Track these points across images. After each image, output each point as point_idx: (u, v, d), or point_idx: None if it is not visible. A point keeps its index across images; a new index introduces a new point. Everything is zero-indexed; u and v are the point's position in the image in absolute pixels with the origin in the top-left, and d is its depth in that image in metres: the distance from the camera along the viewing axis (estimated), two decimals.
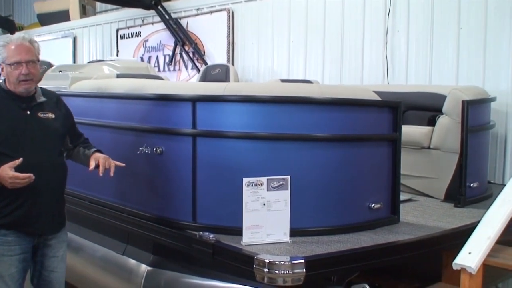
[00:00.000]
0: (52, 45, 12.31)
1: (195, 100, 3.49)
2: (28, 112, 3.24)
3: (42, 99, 3.32)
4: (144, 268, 3.86)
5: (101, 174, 3.34)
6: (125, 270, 4.02)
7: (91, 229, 4.53)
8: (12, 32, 12.03)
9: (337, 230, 3.46)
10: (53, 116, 3.34)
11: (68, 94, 4.61)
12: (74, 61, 11.40)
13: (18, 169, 3.02)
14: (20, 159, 3.03)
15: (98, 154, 3.46)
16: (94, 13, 12.36)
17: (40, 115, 3.28)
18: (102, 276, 4.29)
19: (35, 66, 3.25)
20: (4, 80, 3.29)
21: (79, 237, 4.61)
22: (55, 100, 3.46)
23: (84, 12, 12.03)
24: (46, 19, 12.57)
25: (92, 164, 3.38)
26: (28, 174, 3.02)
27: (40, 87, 3.43)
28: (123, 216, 3.98)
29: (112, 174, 3.39)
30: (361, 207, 3.56)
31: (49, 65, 6.30)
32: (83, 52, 11.40)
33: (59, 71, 5.23)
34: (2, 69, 3.23)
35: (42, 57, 9.01)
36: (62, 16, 12.05)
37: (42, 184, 3.16)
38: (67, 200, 4.54)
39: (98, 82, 4.48)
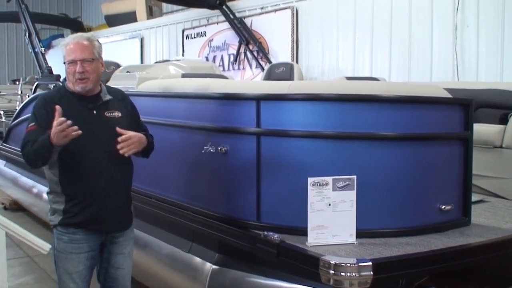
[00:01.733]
0: (119, 46, 12.60)
1: (259, 99, 3.47)
2: (95, 112, 3.26)
3: (107, 97, 3.33)
4: (209, 266, 3.86)
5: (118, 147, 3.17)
6: (191, 268, 4.04)
7: (157, 227, 4.58)
8: None
9: (405, 232, 3.36)
10: (119, 114, 3.33)
11: (136, 94, 4.69)
12: (142, 62, 11.64)
13: (85, 173, 3.12)
14: (64, 119, 2.93)
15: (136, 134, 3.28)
16: (161, 14, 12.58)
17: (107, 114, 3.29)
18: (168, 274, 4.32)
19: (91, 64, 3.20)
20: (65, 79, 3.34)
21: (146, 234, 4.67)
22: (120, 97, 3.45)
23: (150, 13, 12.26)
24: (113, 20, 12.89)
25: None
26: (69, 121, 2.92)
27: (106, 85, 3.44)
28: (189, 214, 4.00)
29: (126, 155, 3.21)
30: (431, 209, 3.45)
31: (117, 65, 6.44)
32: (150, 52, 11.62)
33: (127, 72, 5.31)
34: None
35: (110, 57, 9.27)
36: (129, 17, 12.32)
37: (111, 183, 3.22)
38: (134, 197, 4.64)
39: (164, 82, 4.52)
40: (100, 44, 3.35)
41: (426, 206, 3.44)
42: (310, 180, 3.16)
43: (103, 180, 3.19)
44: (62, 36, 16.02)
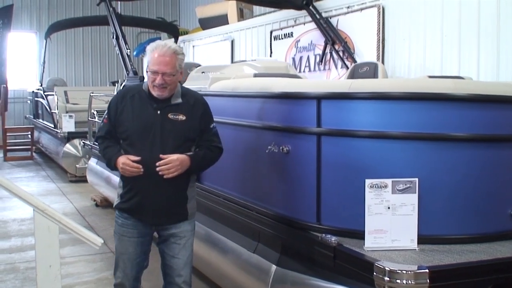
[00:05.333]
0: (212, 48, 12.84)
1: (320, 98, 3.39)
2: (159, 112, 3.41)
3: (178, 101, 3.47)
4: (273, 267, 3.83)
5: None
6: (256, 268, 4.02)
7: (226, 225, 4.60)
8: (176, 37, 12.70)
9: (472, 239, 3.18)
10: (183, 118, 3.44)
11: (205, 94, 4.73)
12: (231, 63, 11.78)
13: (136, 163, 3.32)
14: (138, 158, 3.33)
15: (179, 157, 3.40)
16: (251, 16, 12.66)
17: (170, 116, 3.42)
18: (235, 272, 4.32)
19: (172, 78, 3.37)
20: None
21: (215, 233, 4.71)
22: (192, 102, 3.53)
23: (241, 16, 12.36)
24: (207, 23, 13.11)
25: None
26: (138, 165, 3.31)
27: (184, 88, 3.61)
28: (253, 214, 3.99)
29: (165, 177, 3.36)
30: (501, 215, 3.24)
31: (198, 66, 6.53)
32: (239, 54, 11.72)
33: (202, 72, 5.38)
34: (147, 71, 3.44)
35: (203, 59, 9.45)
36: (221, 20, 12.50)
37: (155, 180, 3.35)
38: (206, 196, 4.69)
39: (232, 82, 4.53)
40: (184, 56, 3.50)
41: (496, 212, 3.24)
42: (368, 182, 3.06)
43: (149, 176, 3.34)
44: (159, 39, 16.52)
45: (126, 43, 6.91)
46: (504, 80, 5.85)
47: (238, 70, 5.22)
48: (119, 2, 8.44)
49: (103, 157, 3.61)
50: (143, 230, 3.52)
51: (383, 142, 3.27)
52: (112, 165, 3.47)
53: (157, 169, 3.32)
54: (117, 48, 6.97)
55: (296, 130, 3.55)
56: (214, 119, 4.02)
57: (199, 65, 6.58)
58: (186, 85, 5.37)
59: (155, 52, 3.36)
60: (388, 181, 3.05)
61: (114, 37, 7.13)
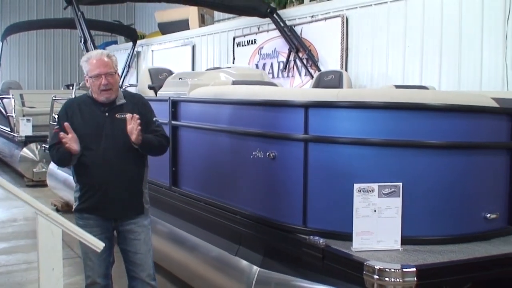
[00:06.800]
0: (172, 53, 12.86)
1: (308, 106, 3.54)
2: (107, 114, 3.76)
3: (121, 101, 3.83)
4: (255, 269, 3.94)
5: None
6: (238, 271, 4.12)
7: (206, 230, 4.68)
8: (134, 41, 12.67)
9: (450, 240, 3.38)
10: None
11: (187, 100, 4.84)
12: (193, 69, 11.83)
13: (92, 165, 3.69)
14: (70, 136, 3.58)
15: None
16: (212, 22, 12.76)
17: (117, 116, 3.76)
18: (216, 276, 4.41)
19: (113, 76, 3.75)
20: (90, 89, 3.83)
21: (194, 237, 4.78)
22: (135, 101, 3.91)
23: (202, 21, 12.45)
24: (167, 28, 13.12)
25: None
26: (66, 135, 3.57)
27: (124, 91, 3.99)
28: (236, 218, 4.10)
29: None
30: (476, 217, 3.45)
31: (169, 72, 6.60)
32: (201, 59, 11.79)
33: (179, 78, 5.46)
34: (87, 80, 3.78)
35: (163, 64, 9.40)
36: (181, 25, 12.54)
37: (114, 176, 3.72)
38: (184, 201, 4.77)
39: (214, 89, 4.64)
40: (116, 58, 3.90)
41: (472, 214, 3.45)
42: (356, 186, 3.21)
43: (106, 173, 3.70)
44: (115, 43, 16.42)
45: (95, 46, 6.91)
46: (465, 89, 6.16)
47: (215, 77, 5.32)
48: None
49: (57, 158, 3.81)
50: (104, 227, 3.82)
51: (367, 149, 3.44)
52: (66, 157, 3.68)
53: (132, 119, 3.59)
54: (85, 51, 6.95)
55: (283, 136, 3.69)
56: (197, 125, 4.14)
57: (170, 71, 6.66)
58: (163, 91, 5.49)
59: (92, 60, 3.74)
60: (375, 186, 3.22)
61: (82, 40, 7.13)
